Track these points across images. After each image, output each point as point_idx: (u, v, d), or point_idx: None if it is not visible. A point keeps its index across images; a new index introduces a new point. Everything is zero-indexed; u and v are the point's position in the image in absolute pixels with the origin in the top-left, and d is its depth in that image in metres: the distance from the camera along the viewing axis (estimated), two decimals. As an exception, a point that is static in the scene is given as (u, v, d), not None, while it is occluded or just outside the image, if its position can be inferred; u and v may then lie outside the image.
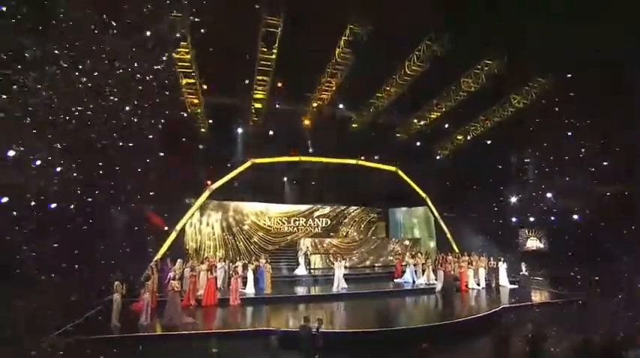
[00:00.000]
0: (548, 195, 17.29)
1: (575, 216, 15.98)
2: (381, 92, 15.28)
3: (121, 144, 11.45)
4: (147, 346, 8.05)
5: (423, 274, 16.58)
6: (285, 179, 19.41)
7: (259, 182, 18.49)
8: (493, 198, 18.77)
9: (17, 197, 9.76)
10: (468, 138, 17.74)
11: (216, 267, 13.75)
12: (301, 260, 17.08)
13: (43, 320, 8.40)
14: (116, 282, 9.07)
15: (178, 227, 15.53)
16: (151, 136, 12.96)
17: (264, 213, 21.00)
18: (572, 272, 14.64)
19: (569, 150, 14.58)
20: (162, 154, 13.50)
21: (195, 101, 14.37)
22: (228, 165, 16.72)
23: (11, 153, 9.42)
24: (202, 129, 16.60)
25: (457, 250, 19.10)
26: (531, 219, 18.12)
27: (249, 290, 13.42)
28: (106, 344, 7.73)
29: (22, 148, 9.79)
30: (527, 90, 14.08)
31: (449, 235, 19.90)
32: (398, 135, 19.32)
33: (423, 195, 19.97)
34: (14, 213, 9.64)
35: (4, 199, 9.33)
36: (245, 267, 14.04)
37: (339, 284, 13.78)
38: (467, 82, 13.83)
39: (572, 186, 16.17)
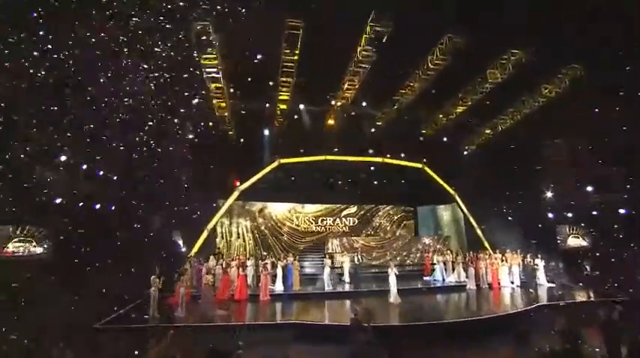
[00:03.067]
0: (590, 188, 16.45)
1: (622, 211, 15.11)
2: (404, 88, 15.19)
3: (158, 149, 12.29)
4: (182, 335, 8.53)
5: (453, 272, 16.28)
6: (312, 179, 19.02)
7: (286, 182, 18.80)
8: (527, 193, 18.02)
9: (68, 199, 10.71)
10: (498, 130, 17.15)
11: (246, 265, 14.23)
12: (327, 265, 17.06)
13: (91, 311, 9.16)
14: (152, 277, 9.67)
15: (209, 226, 16.22)
16: (184, 142, 13.82)
17: (291, 213, 21.35)
18: (615, 271, 13.90)
19: (611, 140, 13.86)
20: (193, 159, 14.28)
21: (223, 104, 14.98)
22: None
23: (63, 158, 10.44)
24: (230, 133, 17.23)
25: (488, 247, 18.54)
26: (571, 214, 17.18)
27: (278, 287, 13.74)
28: (145, 332, 8.28)
29: (71, 153, 10.82)
30: (560, 78, 13.49)
31: (479, 232, 19.29)
32: (423, 131, 19.00)
33: (451, 191, 19.57)
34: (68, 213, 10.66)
35: (58, 200, 10.31)
36: (274, 265, 14.38)
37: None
38: (493, 73, 13.48)
39: (614, 179, 15.35)
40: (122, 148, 11.18)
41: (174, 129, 12.71)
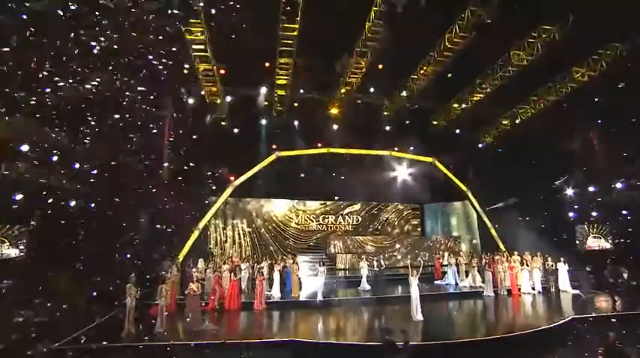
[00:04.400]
0: (616, 186, 15.02)
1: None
2: (416, 73, 13.69)
3: (138, 140, 10.82)
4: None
5: (466, 276, 14.93)
6: (313, 173, 18.15)
7: (285, 177, 17.47)
8: (545, 190, 16.64)
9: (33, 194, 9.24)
10: (517, 121, 15.68)
11: (240, 267, 12.92)
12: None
13: (54, 325, 7.73)
14: (128, 285, 8.25)
15: (201, 225, 14.81)
16: (169, 131, 12.34)
17: (291, 211, 20.10)
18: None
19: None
20: (180, 151, 12.84)
21: (214, 89, 13.47)
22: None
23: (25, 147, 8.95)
24: (223, 122, 15.74)
25: (503, 248, 17.18)
26: (594, 214, 15.80)
27: (276, 292, 12.44)
28: (112, 353, 6.88)
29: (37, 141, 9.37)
30: (596, 59, 11.97)
31: (493, 232, 17.96)
32: (435, 122, 17.54)
33: (464, 188, 18.24)
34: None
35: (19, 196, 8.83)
36: (271, 268, 13.15)
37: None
38: (518, 55, 11.95)
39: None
40: (96, 136, 9.70)
41: (157, 116, 11.23)
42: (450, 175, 18.01)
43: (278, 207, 19.83)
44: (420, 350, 7.49)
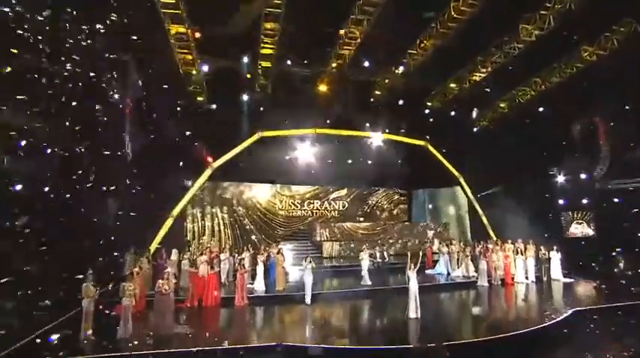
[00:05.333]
0: (601, 171, 14.66)
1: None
2: (415, 47, 12.52)
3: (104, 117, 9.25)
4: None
5: (459, 265, 14.29)
6: (298, 155, 17.12)
7: (268, 159, 16.26)
8: (539, 177, 16.17)
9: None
10: (515, 104, 14.91)
11: (219, 258, 11.78)
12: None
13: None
14: (84, 284, 6.90)
15: (175, 212, 13.40)
16: (136, 104, 10.72)
17: (274, 196, 19.10)
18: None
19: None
20: (153, 129, 11.31)
21: (189, 57, 11.81)
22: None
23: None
24: (200, 98, 14.12)
25: (493, 236, 16.76)
26: (581, 200, 15.54)
27: (259, 286, 11.32)
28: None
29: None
30: (608, 37, 11.14)
31: (484, 219, 17.53)
32: (429, 103, 16.57)
33: (456, 173, 17.64)
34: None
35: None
36: (254, 259, 12.03)
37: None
38: (527, 29, 10.95)
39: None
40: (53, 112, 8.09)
41: (120, 87, 9.62)
42: (443, 160, 17.36)
43: (261, 192, 18.83)
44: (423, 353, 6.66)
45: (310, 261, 9.68)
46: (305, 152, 17.05)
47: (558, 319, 8.88)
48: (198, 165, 14.25)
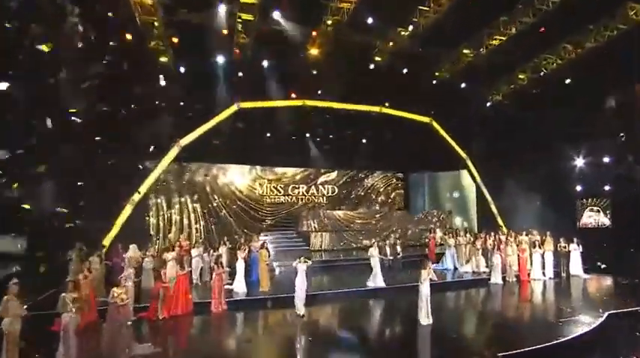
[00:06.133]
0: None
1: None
2: (427, 1, 11.39)
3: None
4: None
5: (468, 259, 13.89)
6: (283, 132, 16.37)
7: (247, 136, 15.42)
8: (555, 160, 15.66)
9: None
10: (537, 75, 14.14)
11: (190, 255, 10.82)
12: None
13: None
14: (4, 298, 5.57)
15: (136, 197, 12.01)
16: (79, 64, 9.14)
17: (254, 179, 18.27)
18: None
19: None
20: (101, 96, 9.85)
21: (148, 2, 10.15)
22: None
23: None
24: (163, 58, 12.54)
25: (503, 226, 16.41)
26: (602, 187, 15.18)
27: (239, 286, 10.37)
28: None
29: None
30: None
31: (493, 208, 17.06)
32: (437, 73, 15.64)
33: (463, 155, 17.04)
34: None
35: None
36: (232, 253, 11.38)
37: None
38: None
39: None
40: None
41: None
42: (449, 139, 16.66)
43: (239, 176, 17.91)
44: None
45: (305, 261, 8.55)
46: (291, 128, 16.24)
47: (595, 325, 8.31)
48: (161, 143, 12.97)
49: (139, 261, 9.95)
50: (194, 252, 11.14)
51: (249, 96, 13.80)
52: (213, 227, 16.23)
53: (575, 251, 13.50)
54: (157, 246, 12.20)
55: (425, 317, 8.16)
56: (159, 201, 15.66)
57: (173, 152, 12.86)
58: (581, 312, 9.20)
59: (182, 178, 16.40)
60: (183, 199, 16.25)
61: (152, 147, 13.01)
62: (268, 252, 11.20)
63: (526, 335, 7.89)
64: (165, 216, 15.70)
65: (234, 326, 8.61)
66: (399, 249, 12.01)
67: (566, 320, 8.62)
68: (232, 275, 10.46)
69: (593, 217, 16.73)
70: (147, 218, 15.05)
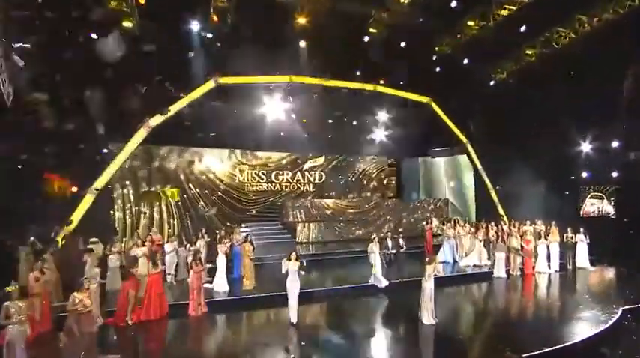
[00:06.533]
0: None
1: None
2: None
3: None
4: None
5: (468, 251, 13.85)
6: (265, 112, 15.80)
7: (226, 116, 14.97)
8: (560, 145, 15.67)
9: None
10: (551, 48, 13.96)
11: (163, 250, 10.48)
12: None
13: None
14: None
15: (98, 185, 11.31)
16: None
17: (233, 165, 17.98)
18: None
19: None
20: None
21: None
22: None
23: None
24: (127, 23, 11.66)
25: (504, 216, 16.49)
26: (614, 175, 15.24)
27: (220, 285, 10.02)
28: None
29: None
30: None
31: (494, 195, 17.11)
32: (437, 48, 15.32)
33: (463, 138, 17.03)
34: None
35: None
36: (210, 247, 11.06)
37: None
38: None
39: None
40: None
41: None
42: (448, 121, 16.57)
43: (216, 161, 17.53)
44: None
45: (301, 262, 8.02)
46: (275, 107, 15.82)
47: (611, 322, 8.28)
48: (127, 124, 12.32)
49: (103, 258, 9.47)
50: (168, 247, 10.72)
51: (228, 71, 13.25)
52: (189, 222, 15.82)
53: (582, 242, 13.61)
54: (123, 242, 11.53)
55: (428, 317, 8.02)
56: (125, 192, 15.09)
57: (140, 134, 12.12)
58: (594, 308, 9.21)
59: (150, 164, 15.79)
60: (154, 183, 15.73)
61: (116, 129, 12.26)
62: (252, 245, 10.75)
63: (542, 334, 7.74)
64: (133, 208, 15.15)
65: (215, 331, 8.26)
66: (401, 242, 11.72)
67: (580, 317, 8.62)
68: (212, 272, 10.06)
69: (596, 205, 16.84)
70: (112, 211, 14.55)
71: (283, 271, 7.85)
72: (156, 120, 12.15)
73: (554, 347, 7.01)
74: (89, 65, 11.19)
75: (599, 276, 12.88)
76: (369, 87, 15.28)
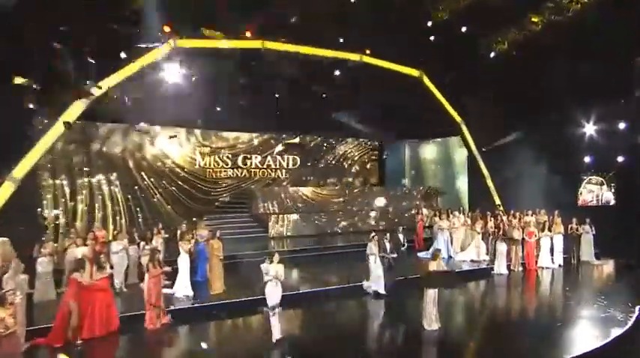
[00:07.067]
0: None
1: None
2: None
3: None
4: None
5: (465, 245, 14.07)
6: (231, 84, 15.23)
7: (183, 87, 13.92)
8: (560, 126, 15.82)
9: None
10: (557, 17, 13.86)
11: (109, 250, 9.80)
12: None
13: None
14: None
15: (18, 173, 10.36)
16: None
17: (193, 148, 17.45)
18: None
19: None
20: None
21: None
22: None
23: None
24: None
25: (501, 205, 16.66)
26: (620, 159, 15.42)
27: (182, 289, 9.48)
28: None
29: None
30: None
31: (489, 181, 17.29)
32: (433, 13, 15.19)
33: (458, 118, 17.06)
34: None
35: None
36: (168, 244, 10.84)
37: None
38: None
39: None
40: None
41: None
42: (441, 98, 16.61)
43: (171, 142, 16.62)
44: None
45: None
46: (243, 78, 15.29)
47: (630, 322, 8.25)
48: (56, 94, 11.15)
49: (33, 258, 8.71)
50: (115, 245, 9.88)
51: (186, 32, 12.44)
52: (140, 215, 15.27)
53: (588, 234, 13.86)
54: (52, 244, 10.56)
55: (432, 321, 7.77)
56: (57, 183, 14.24)
57: (77, 107, 11.03)
58: (610, 307, 9.24)
59: (88, 146, 14.97)
60: (94, 180, 14.93)
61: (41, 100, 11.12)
62: (221, 242, 10.11)
63: (560, 340, 7.63)
64: (68, 201, 14.33)
65: (178, 347, 7.67)
66: (401, 238, 11.31)
67: (598, 318, 8.63)
68: (171, 276, 9.38)
69: (594, 192, 17.04)
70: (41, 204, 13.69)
71: (266, 279, 7.11)
72: (96, 90, 11.05)
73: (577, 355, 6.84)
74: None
75: (607, 271, 13.16)
76: (353, 57, 14.88)
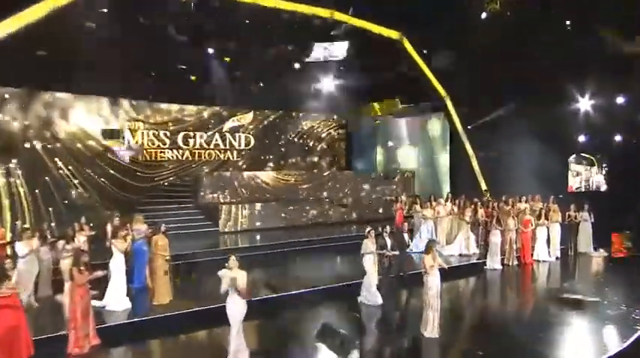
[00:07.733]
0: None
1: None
2: None
3: None
4: None
5: (452, 237, 14.09)
6: (169, 43, 14.55)
7: (106, 46, 13.06)
8: (553, 102, 16.12)
9: None
10: None
11: (13, 253, 9.17)
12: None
13: None
14: None
15: None
16: None
17: (121, 122, 16.57)
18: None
19: None
20: None
21: None
22: None
23: None
24: None
25: (486, 190, 16.94)
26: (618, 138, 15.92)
27: (116, 300, 8.79)
28: None
29: None
30: None
31: (475, 165, 17.55)
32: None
33: (442, 91, 17.21)
34: None
35: None
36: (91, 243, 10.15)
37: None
38: None
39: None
40: None
41: None
42: (424, 66, 16.66)
43: (92, 117, 15.94)
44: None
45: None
46: (182, 36, 14.60)
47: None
48: None
49: None
50: (21, 247, 8.84)
51: None
52: (51, 209, 14.04)
53: (586, 222, 14.26)
54: None
55: (431, 328, 7.66)
56: None
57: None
58: (621, 305, 9.48)
59: None
60: None
61: None
62: (167, 239, 9.50)
63: (580, 345, 7.67)
64: None
65: None
66: (405, 235, 11.30)
67: (612, 318, 8.75)
68: (101, 283, 8.62)
69: (583, 176, 17.37)
70: None
71: (223, 290, 6.29)
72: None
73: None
74: None
75: (608, 264, 13.52)
76: (323, 13, 14.59)
